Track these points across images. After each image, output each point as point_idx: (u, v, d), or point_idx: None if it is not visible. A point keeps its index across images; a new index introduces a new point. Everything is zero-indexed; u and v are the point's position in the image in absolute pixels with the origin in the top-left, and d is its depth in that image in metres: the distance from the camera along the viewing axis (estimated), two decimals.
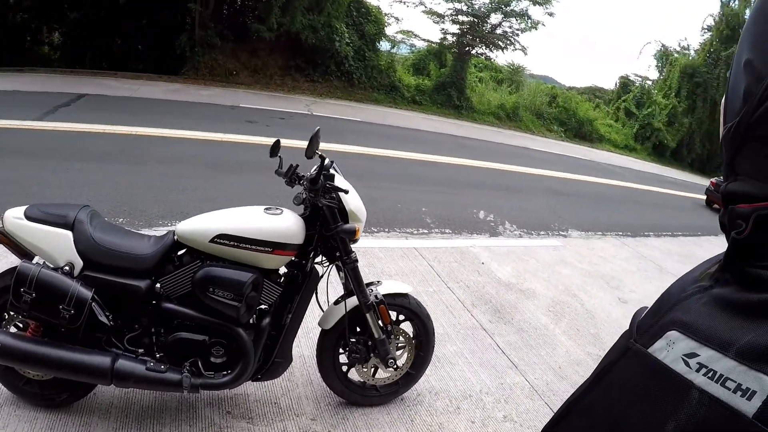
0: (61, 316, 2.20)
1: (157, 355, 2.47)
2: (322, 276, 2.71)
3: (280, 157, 2.74)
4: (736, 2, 37.82)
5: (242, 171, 7.32)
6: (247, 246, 2.38)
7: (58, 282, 2.21)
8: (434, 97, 22.43)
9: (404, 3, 22.47)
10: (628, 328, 0.83)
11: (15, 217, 2.36)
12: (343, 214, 2.57)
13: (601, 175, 15.01)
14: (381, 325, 2.77)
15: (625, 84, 35.43)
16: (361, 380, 3.00)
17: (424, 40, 25.16)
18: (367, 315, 2.70)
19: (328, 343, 2.83)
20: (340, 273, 2.74)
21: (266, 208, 2.52)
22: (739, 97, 0.62)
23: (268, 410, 2.89)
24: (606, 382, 0.75)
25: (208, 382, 2.46)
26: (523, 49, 23.84)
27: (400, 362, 2.94)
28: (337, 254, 2.64)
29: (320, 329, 2.85)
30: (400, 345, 2.98)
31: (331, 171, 2.60)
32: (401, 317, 2.96)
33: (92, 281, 2.32)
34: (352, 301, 2.71)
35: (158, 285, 2.48)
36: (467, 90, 23.47)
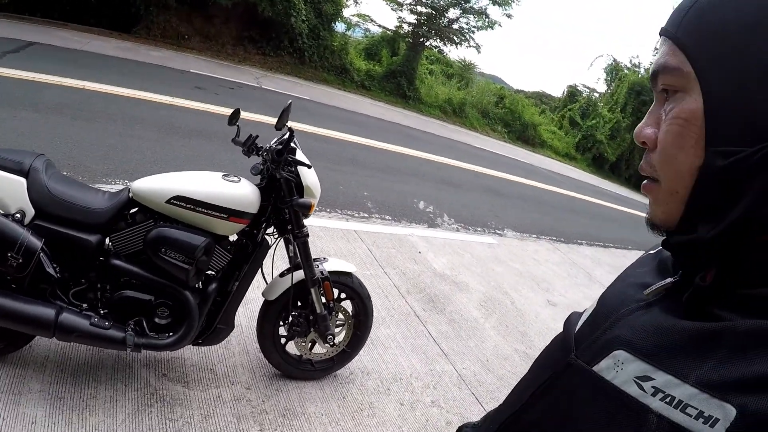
0: (9, 263, 2.15)
1: (101, 312, 2.42)
2: (269, 247, 2.72)
3: (237, 126, 2.74)
4: None
5: (190, 136, 7.15)
6: (204, 210, 2.38)
7: (9, 229, 2.15)
8: (383, 84, 22.38)
9: None
10: (561, 331, 0.86)
11: None
12: (299, 188, 2.60)
13: (540, 180, 15.37)
14: (324, 301, 2.80)
15: (572, 93, 36.28)
16: (298, 354, 3.03)
17: (379, 26, 25.14)
18: (312, 290, 2.73)
19: (270, 314, 2.84)
20: (289, 246, 2.76)
21: (224, 175, 2.52)
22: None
23: (204, 376, 2.89)
24: (548, 401, 0.74)
25: (151, 342, 2.44)
26: (477, 47, 24.17)
27: (337, 339, 2.98)
28: (289, 227, 2.66)
29: (263, 300, 2.86)
30: (339, 322, 3.03)
31: (292, 144, 2.60)
32: (343, 295, 3.00)
33: (42, 231, 2.26)
34: (299, 274, 2.72)
35: (108, 241, 2.44)
36: (417, 81, 23.51)
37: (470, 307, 4.86)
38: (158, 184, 2.39)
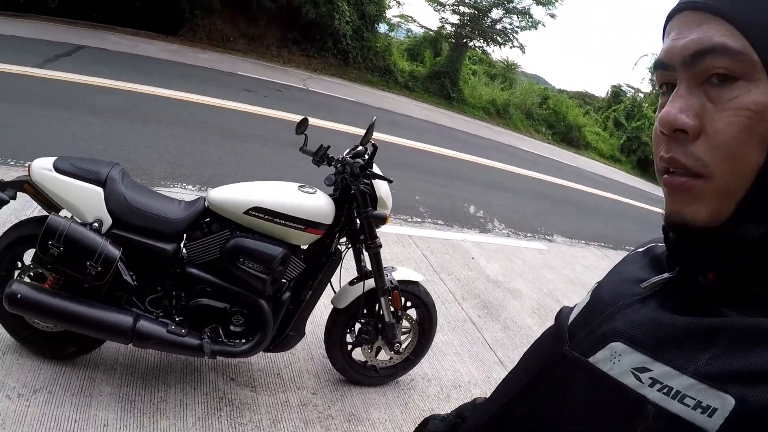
0: (88, 272, 2.20)
1: (177, 319, 2.50)
2: (342, 257, 2.77)
3: (305, 135, 2.78)
4: None
5: (242, 139, 7.30)
6: (282, 221, 2.43)
7: (88, 238, 2.20)
8: (427, 85, 22.35)
9: None
10: (552, 325, 0.86)
11: (44, 168, 2.32)
12: (373, 199, 2.64)
13: (587, 183, 15.17)
14: (392, 309, 2.84)
15: (616, 93, 35.64)
16: (363, 360, 3.09)
17: (422, 26, 25.10)
18: (382, 299, 2.77)
19: (339, 322, 2.89)
20: (360, 255, 2.82)
21: (300, 186, 2.58)
22: None
23: (271, 380, 2.97)
24: (541, 392, 0.74)
25: (227, 350, 2.51)
26: (521, 47, 23.90)
27: (402, 346, 3.02)
28: (362, 237, 2.71)
29: (331, 307, 2.92)
30: (404, 330, 3.07)
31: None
32: (408, 303, 3.04)
33: (120, 240, 2.33)
34: (369, 283, 2.77)
35: (184, 249, 2.51)
36: (461, 81, 23.42)
37: (524, 314, 4.85)
38: (236, 195, 2.45)
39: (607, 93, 36.69)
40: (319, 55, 18.74)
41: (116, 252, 2.24)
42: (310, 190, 2.58)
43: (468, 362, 3.75)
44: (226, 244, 2.40)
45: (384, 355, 3.10)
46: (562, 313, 0.85)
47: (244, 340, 2.57)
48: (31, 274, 2.47)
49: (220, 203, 2.45)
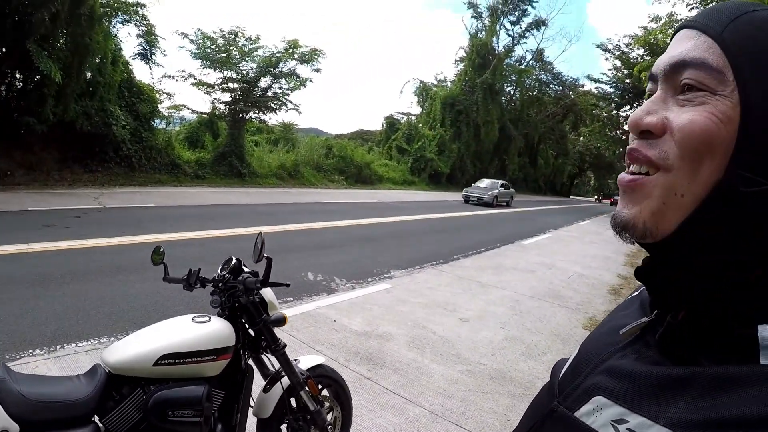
0: None
1: None
2: (253, 370, 2.79)
3: (164, 263, 2.75)
4: (483, 33, 42.94)
5: (68, 280, 6.68)
6: (193, 359, 2.34)
7: None
8: (216, 168, 22.53)
9: (173, 77, 22.52)
10: (548, 381, 0.87)
11: None
12: (263, 306, 2.72)
13: (393, 213, 16.14)
14: (312, 397, 2.92)
15: (391, 123, 38.22)
16: None
17: (195, 111, 25.23)
18: (302, 392, 2.84)
19: (270, 430, 2.90)
20: (263, 361, 2.89)
21: (193, 317, 2.50)
22: None
23: None
24: None
25: None
26: (296, 108, 24.96)
27: (333, 427, 3.15)
28: (264, 344, 2.75)
29: (256, 420, 2.90)
30: (326, 410, 3.17)
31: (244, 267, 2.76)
32: (319, 386, 3.13)
33: None
34: (284, 382, 2.83)
35: (101, 425, 2.27)
36: (247, 156, 23.85)
37: (403, 351, 5.20)
38: (138, 350, 2.32)
39: (383, 125, 39.08)
40: (103, 168, 18.08)
41: None
42: (204, 317, 2.51)
43: (383, 413, 3.98)
44: (147, 404, 2.24)
45: None
46: (557, 367, 0.88)
47: None
48: None
49: (123, 364, 2.28)
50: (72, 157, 17.46)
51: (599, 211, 26.29)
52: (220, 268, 2.76)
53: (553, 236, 16.30)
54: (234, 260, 2.73)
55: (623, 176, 0.64)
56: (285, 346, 2.78)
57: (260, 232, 2.79)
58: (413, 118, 40.16)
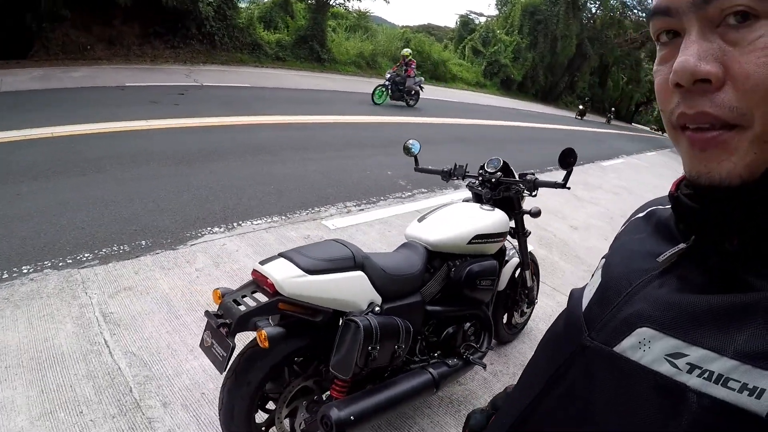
0: (396, 355, 2.19)
1: (436, 354, 2.72)
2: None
3: (415, 156, 3.21)
4: None
5: (209, 160, 6.75)
6: (492, 240, 2.79)
7: (393, 325, 2.16)
8: (296, 51, 22.26)
9: None
10: (564, 310, 0.80)
11: (295, 278, 2.01)
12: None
13: (481, 116, 15.97)
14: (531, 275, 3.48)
15: (465, 23, 36.94)
16: (515, 322, 3.76)
17: None
18: (526, 271, 3.39)
19: (499, 303, 3.38)
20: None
21: (480, 207, 2.91)
22: None
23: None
24: (566, 385, 0.69)
25: (479, 354, 2.84)
26: None
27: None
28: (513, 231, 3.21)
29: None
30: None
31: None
32: None
33: (395, 311, 2.31)
34: (513, 262, 3.33)
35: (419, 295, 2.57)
36: (328, 41, 23.52)
37: (536, 246, 5.33)
38: (455, 231, 2.67)
39: (456, 23, 37.87)
40: (185, 44, 18.03)
41: (410, 324, 2.24)
42: (488, 207, 2.93)
43: (540, 298, 4.10)
44: (460, 274, 2.65)
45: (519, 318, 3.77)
46: (573, 297, 0.79)
47: (480, 344, 2.97)
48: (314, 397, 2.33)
49: (444, 242, 2.62)
50: (153, 33, 17.47)
51: (662, 144, 25.50)
52: (484, 164, 3.14)
53: (627, 162, 15.85)
54: (501, 162, 3.09)
55: (695, 135, 0.55)
56: (529, 233, 3.30)
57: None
58: (490, 20, 38.76)
